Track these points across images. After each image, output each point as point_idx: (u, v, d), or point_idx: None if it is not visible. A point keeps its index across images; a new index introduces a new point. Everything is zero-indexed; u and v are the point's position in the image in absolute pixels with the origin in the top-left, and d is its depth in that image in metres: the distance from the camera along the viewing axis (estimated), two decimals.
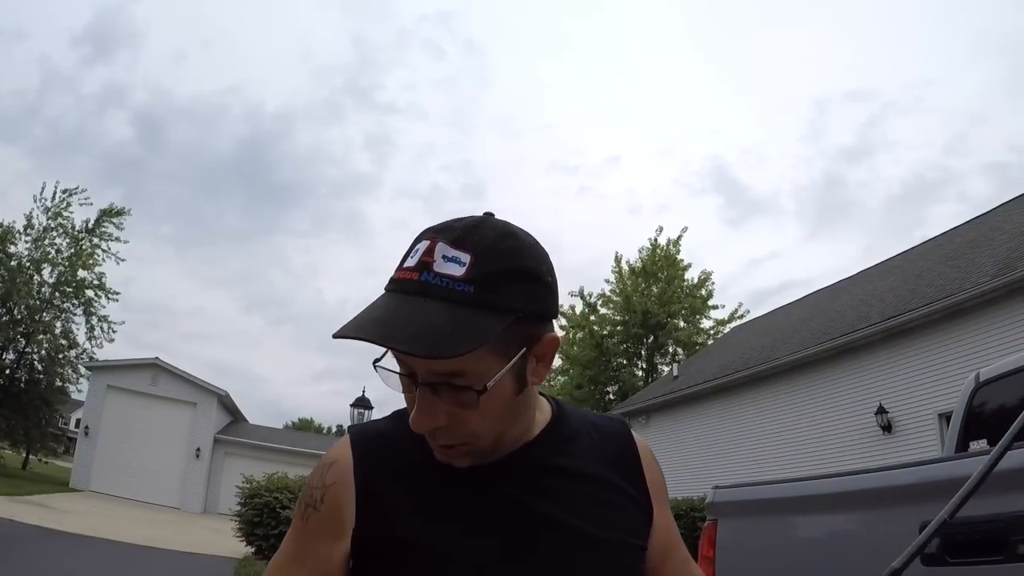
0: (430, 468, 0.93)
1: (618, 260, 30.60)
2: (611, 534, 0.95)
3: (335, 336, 0.81)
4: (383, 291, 0.87)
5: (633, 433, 1.10)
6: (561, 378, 31.02)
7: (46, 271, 26.59)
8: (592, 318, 30.25)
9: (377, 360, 0.88)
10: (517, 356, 0.86)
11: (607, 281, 30.75)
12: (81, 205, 27.04)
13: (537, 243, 0.92)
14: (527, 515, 0.92)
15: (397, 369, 0.87)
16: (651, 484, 1.05)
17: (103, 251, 27.42)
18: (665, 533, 1.07)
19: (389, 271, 0.88)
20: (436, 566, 0.88)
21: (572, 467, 0.98)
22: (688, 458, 17.28)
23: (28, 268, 25.86)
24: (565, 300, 30.37)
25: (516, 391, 0.89)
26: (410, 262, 0.85)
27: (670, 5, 78.53)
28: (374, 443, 0.98)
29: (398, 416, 1.01)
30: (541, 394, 1.02)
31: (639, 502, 1.03)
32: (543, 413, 1.01)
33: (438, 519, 0.90)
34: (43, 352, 26.78)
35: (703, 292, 30.03)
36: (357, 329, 0.80)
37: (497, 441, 0.91)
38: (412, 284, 0.83)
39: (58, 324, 27.11)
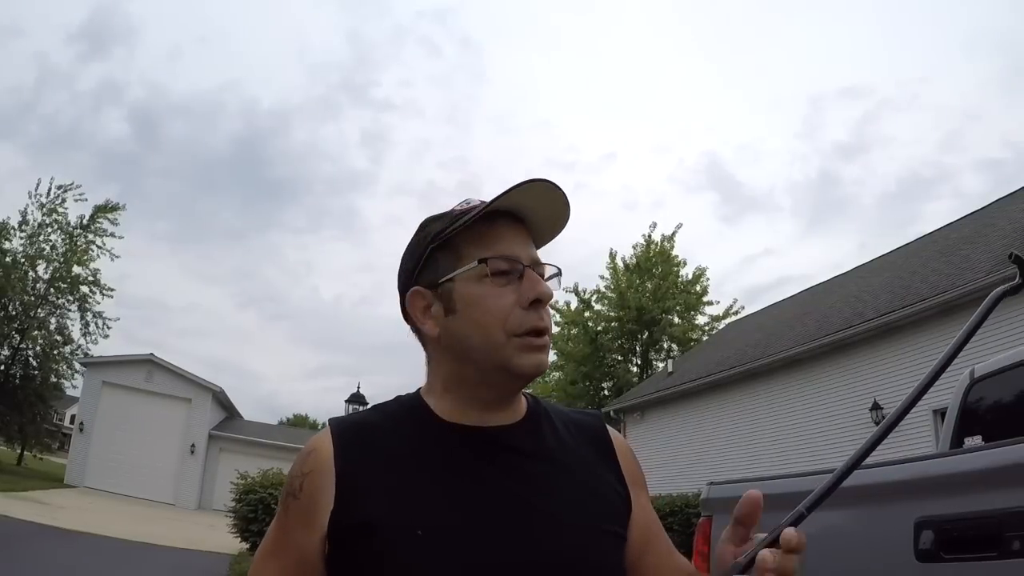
0: (408, 453, 0.98)
1: (612, 256, 30.65)
2: (585, 520, 0.97)
3: (518, 186, 0.97)
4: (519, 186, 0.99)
5: (608, 426, 1.14)
6: (556, 374, 31.04)
7: (41, 267, 26.53)
8: (587, 314, 30.28)
9: (487, 258, 0.99)
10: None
11: (601, 277, 30.82)
12: (76, 201, 26.96)
13: None
14: (501, 496, 0.95)
15: (504, 266, 0.99)
16: (627, 474, 1.08)
17: (98, 247, 27.37)
18: (644, 523, 1.08)
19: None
20: (402, 544, 0.89)
21: (548, 453, 1.02)
22: (683, 454, 17.32)
23: (23, 264, 25.77)
24: (560, 296, 30.39)
25: None
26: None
27: (666, 2, 78.50)
28: (354, 431, 1.01)
29: (379, 409, 1.07)
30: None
31: (616, 490, 1.05)
32: (520, 404, 1.07)
33: (409, 499, 0.92)
34: (38, 348, 26.70)
35: (698, 288, 30.04)
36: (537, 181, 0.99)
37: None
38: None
39: (53, 320, 27.05)
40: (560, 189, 1.00)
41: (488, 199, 1.00)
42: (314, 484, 0.96)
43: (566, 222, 1.05)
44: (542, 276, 1.02)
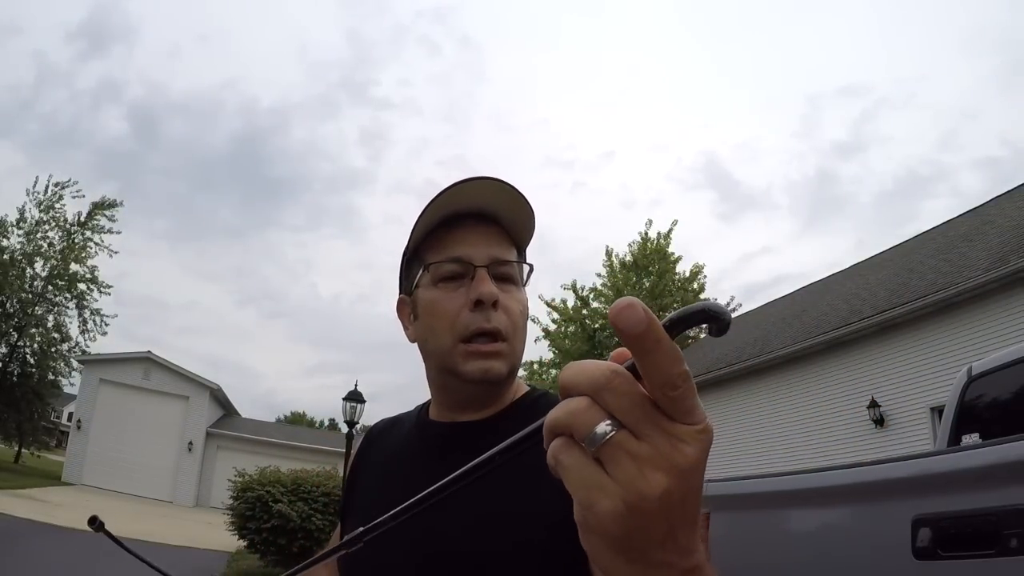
0: (397, 450, 1.09)
1: (609, 254, 30.61)
2: (491, 523, 0.89)
3: (456, 185, 0.97)
4: (451, 186, 0.99)
5: None
6: (553, 371, 31.05)
7: (38, 264, 26.50)
8: (584, 312, 30.28)
9: (431, 263, 1.01)
10: (526, 279, 1.06)
11: (599, 275, 30.79)
12: (74, 198, 27.01)
13: None
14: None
15: (453, 269, 1.00)
16: None
17: (95, 244, 27.36)
18: None
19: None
20: (352, 528, 1.03)
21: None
22: None
23: (20, 261, 25.73)
24: (557, 294, 30.46)
25: (527, 312, 1.04)
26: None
27: (665, 2, 78.52)
28: (377, 431, 1.20)
29: (415, 408, 1.17)
30: (529, 385, 1.08)
31: (557, 495, 0.88)
32: (502, 400, 1.03)
33: (372, 493, 1.07)
34: (35, 346, 26.67)
35: (695, 286, 30.01)
36: (485, 178, 0.98)
37: (516, 358, 1.01)
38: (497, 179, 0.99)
39: (50, 318, 27.05)
40: (498, 180, 0.98)
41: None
42: (347, 477, 1.21)
43: (526, 211, 1.01)
44: (506, 276, 1.00)
